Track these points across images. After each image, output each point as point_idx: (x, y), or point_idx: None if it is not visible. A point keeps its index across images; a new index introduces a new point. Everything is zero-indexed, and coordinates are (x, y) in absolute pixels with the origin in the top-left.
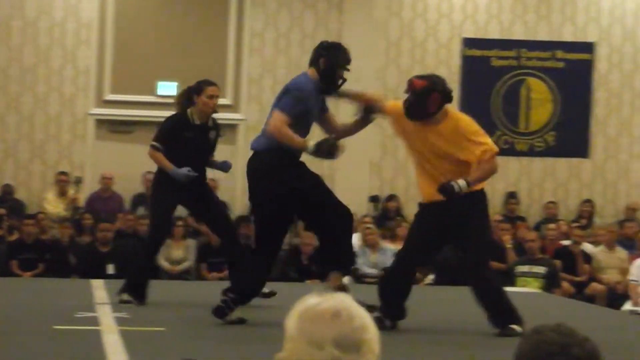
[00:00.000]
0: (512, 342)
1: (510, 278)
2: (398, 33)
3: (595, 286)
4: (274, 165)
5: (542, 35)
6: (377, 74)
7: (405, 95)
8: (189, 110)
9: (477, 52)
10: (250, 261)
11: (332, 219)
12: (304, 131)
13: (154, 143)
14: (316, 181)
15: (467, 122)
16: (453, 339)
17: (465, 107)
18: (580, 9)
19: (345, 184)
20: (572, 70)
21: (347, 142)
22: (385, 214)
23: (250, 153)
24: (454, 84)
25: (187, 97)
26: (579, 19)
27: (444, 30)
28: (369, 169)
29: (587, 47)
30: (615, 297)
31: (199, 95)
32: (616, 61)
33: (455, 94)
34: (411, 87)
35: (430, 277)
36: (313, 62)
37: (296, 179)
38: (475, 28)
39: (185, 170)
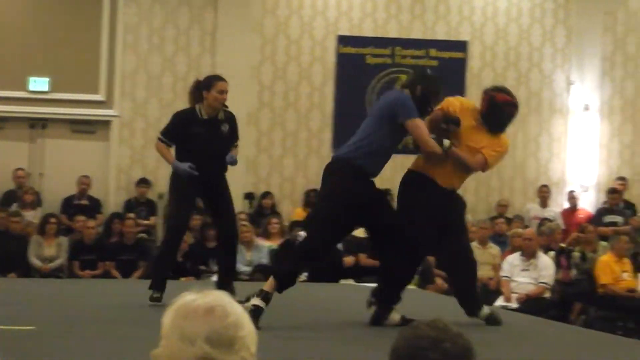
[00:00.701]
0: (389, 335)
1: None
2: (273, 30)
3: None
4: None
5: (416, 34)
6: (252, 71)
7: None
8: (197, 106)
9: (352, 50)
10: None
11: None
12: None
13: (160, 136)
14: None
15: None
16: (330, 335)
17: (340, 104)
18: (453, 8)
19: None
20: (445, 68)
21: None
22: (261, 211)
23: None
24: (329, 81)
25: (198, 92)
26: (452, 18)
27: (319, 27)
28: (244, 166)
29: (460, 46)
30: (488, 293)
31: (209, 91)
32: (489, 59)
33: (330, 91)
34: (494, 99)
35: (304, 275)
36: (409, 86)
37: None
38: (350, 26)
39: (186, 165)
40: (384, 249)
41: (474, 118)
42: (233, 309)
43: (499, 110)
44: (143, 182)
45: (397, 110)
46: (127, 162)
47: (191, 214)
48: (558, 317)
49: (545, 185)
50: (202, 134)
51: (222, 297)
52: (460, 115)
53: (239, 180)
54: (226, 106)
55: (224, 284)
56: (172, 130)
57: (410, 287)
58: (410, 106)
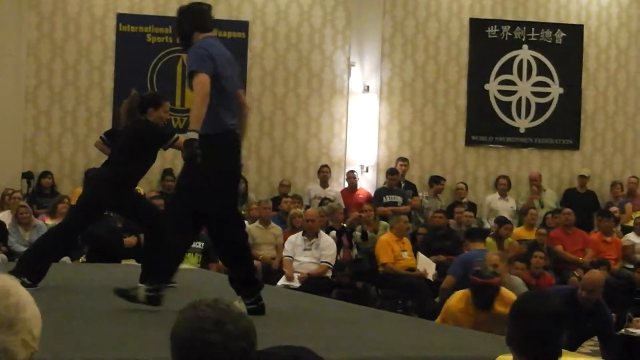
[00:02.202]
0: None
1: None
2: (51, 7)
3: None
4: None
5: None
6: (30, 49)
7: None
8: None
9: (132, 28)
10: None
11: None
12: None
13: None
14: None
15: None
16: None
17: (120, 83)
18: None
19: None
20: (227, 48)
21: (0, 118)
22: (40, 190)
23: None
24: (109, 59)
25: (140, 108)
26: None
27: (98, 5)
28: (22, 145)
29: (242, 26)
30: (270, 273)
31: (156, 109)
32: (270, 40)
33: (110, 70)
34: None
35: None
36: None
37: None
38: (131, 4)
39: None
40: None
41: None
42: (16, 290)
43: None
44: None
45: None
46: None
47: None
48: (342, 296)
49: (325, 165)
50: None
51: (4, 279)
52: None
53: (17, 160)
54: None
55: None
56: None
57: (193, 266)
58: None
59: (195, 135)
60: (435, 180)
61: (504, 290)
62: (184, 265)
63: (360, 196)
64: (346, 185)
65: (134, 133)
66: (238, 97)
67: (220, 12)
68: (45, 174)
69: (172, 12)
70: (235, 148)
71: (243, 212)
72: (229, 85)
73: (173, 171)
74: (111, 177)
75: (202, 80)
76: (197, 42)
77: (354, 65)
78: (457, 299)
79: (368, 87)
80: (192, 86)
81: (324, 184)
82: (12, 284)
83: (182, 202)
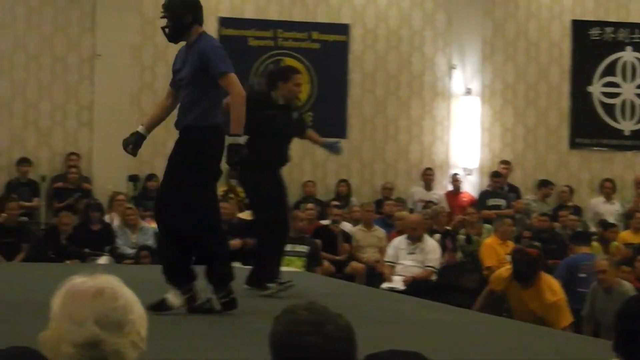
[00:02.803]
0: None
1: None
2: (153, 11)
3: (354, 265)
4: None
5: (298, 16)
6: (133, 52)
7: None
8: (272, 92)
9: (233, 32)
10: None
11: None
12: None
13: None
14: None
15: None
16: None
17: None
18: None
19: (104, 163)
20: (327, 51)
21: (106, 121)
22: (145, 193)
23: None
24: None
25: (270, 82)
26: (334, 1)
27: None
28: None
29: (342, 29)
30: (374, 276)
31: (285, 82)
32: (370, 42)
33: None
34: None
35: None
36: None
37: None
38: (231, 7)
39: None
40: None
41: None
42: (123, 292)
43: None
44: (24, 162)
45: None
46: (7, 143)
47: None
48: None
49: (429, 169)
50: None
51: (111, 280)
52: None
53: (122, 163)
54: (300, 99)
55: None
56: None
57: (299, 269)
58: None
59: (241, 140)
60: (544, 184)
61: (548, 277)
62: (291, 269)
63: (464, 199)
64: (450, 188)
65: None
66: None
67: (320, 15)
68: (151, 176)
69: (272, 16)
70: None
71: (345, 215)
72: None
73: None
74: None
75: (236, 81)
76: (206, 38)
77: (455, 68)
78: (506, 268)
79: (470, 89)
80: (227, 87)
81: (428, 187)
82: (119, 285)
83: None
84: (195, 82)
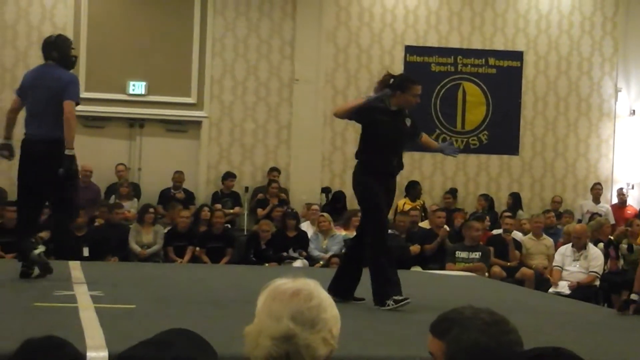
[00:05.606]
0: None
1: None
2: (346, 40)
3: (524, 271)
4: None
5: (476, 44)
6: (327, 77)
7: None
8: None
9: (418, 59)
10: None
11: None
12: None
13: None
14: None
15: None
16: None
17: None
18: (510, 21)
19: (300, 177)
20: (503, 76)
21: (302, 139)
22: (335, 203)
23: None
24: None
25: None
26: (509, 30)
27: (388, 38)
28: (320, 163)
29: (517, 55)
30: (542, 281)
31: (403, 92)
32: (542, 68)
33: None
34: None
35: None
36: None
37: None
38: (416, 37)
39: None
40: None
41: None
42: (318, 293)
43: None
44: (229, 176)
45: None
46: (216, 158)
47: None
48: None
49: (598, 183)
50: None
51: (309, 283)
52: None
53: (317, 176)
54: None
55: None
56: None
57: (471, 274)
58: None
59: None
60: None
61: None
62: (464, 273)
63: (629, 212)
64: (615, 201)
65: None
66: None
67: (497, 43)
68: (340, 192)
69: (453, 44)
70: None
71: (515, 224)
72: None
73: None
74: None
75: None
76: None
77: (620, 90)
78: None
79: (634, 110)
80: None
81: (596, 200)
82: (315, 288)
83: None
84: None
